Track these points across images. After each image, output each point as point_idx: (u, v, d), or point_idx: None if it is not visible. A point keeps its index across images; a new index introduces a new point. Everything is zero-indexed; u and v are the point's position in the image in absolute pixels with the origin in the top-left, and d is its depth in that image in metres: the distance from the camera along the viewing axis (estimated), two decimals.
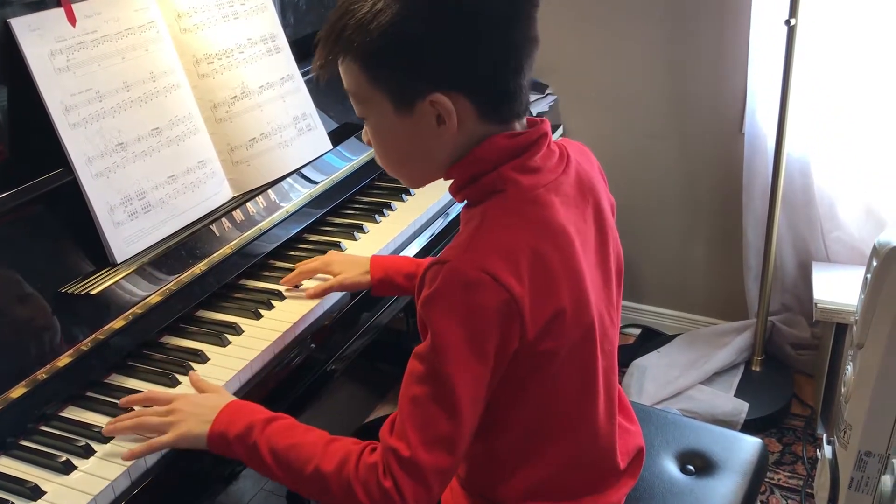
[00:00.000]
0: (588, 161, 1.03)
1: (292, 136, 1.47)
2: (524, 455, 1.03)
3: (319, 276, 1.34)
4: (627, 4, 2.20)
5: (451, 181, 0.97)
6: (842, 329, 1.98)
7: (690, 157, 2.30)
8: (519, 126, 0.94)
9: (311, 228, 1.53)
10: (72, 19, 1.13)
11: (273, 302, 1.30)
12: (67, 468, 0.99)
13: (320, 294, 1.30)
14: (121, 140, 1.20)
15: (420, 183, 1.01)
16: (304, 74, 1.55)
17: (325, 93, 1.65)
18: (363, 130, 0.98)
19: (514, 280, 0.86)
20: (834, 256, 2.15)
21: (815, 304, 1.97)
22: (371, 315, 1.41)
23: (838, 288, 2.00)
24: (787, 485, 1.98)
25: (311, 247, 1.48)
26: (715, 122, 2.23)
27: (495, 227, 0.90)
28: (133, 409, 1.06)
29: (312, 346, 1.28)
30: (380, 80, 0.89)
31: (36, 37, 1.11)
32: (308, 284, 1.33)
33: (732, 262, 2.34)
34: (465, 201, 0.97)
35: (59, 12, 1.14)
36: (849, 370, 1.69)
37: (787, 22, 1.86)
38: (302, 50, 1.57)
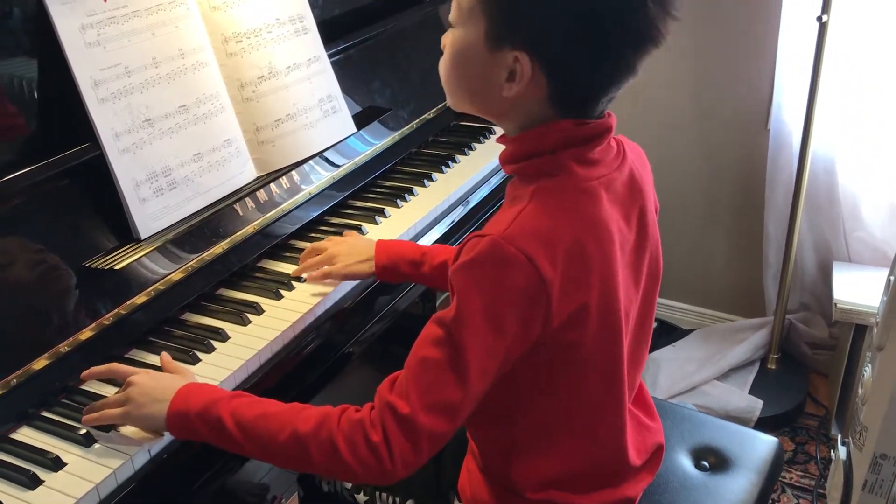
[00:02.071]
0: (642, 163, 1.02)
1: (317, 117, 1.47)
2: (543, 445, 1.03)
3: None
4: None
5: (503, 149, 0.96)
6: (861, 330, 1.97)
7: (714, 152, 2.29)
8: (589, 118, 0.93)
9: (333, 211, 1.53)
10: None
11: (294, 283, 1.30)
12: (88, 441, 1.00)
13: (320, 279, 1.29)
14: (148, 116, 1.20)
15: (457, 106, 0.99)
16: (330, 56, 1.55)
17: (350, 75, 1.64)
18: (442, 38, 0.96)
19: (549, 265, 0.86)
20: (856, 257, 2.13)
21: (835, 304, 1.96)
22: (390, 299, 1.41)
23: (859, 289, 1.98)
24: (798, 484, 1.97)
25: (332, 229, 1.48)
26: (740, 116, 2.21)
27: (541, 212, 0.89)
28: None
29: (332, 328, 1.28)
30: (491, 6, 0.88)
31: (67, 10, 1.11)
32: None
33: (752, 259, 2.32)
34: (513, 175, 0.96)
35: None
36: (867, 372, 1.68)
37: (819, 18, 1.83)
38: (329, 31, 1.56)
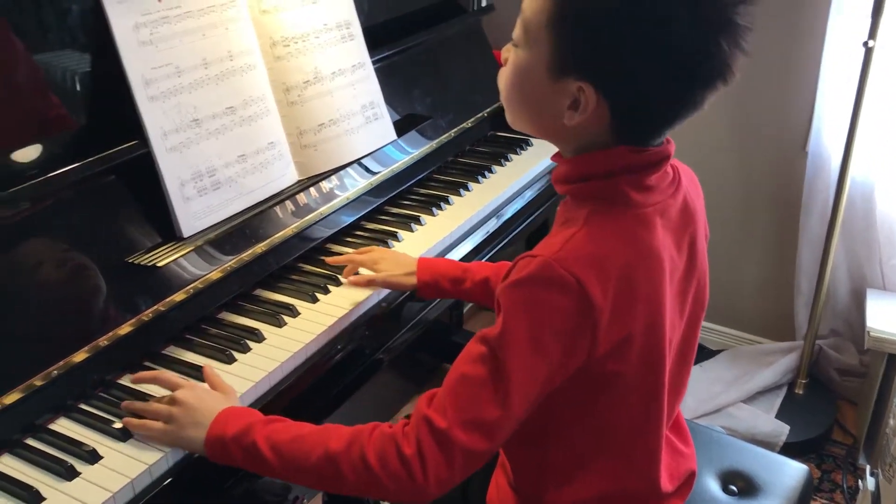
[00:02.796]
0: (695, 190, 1.01)
1: (360, 123, 1.47)
2: (576, 469, 1.02)
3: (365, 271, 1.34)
4: None
5: (556, 166, 0.95)
6: (893, 359, 1.94)
7: (749, 172, 2.27)
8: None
9: (370, 217, 1.54)
10: None
11: (329, 287, 1.31)
12: (124, 435, 1.01)
13: (363, 284, 1.30)
14: (196, 116, 1.21)
15: (515, 124, 0.98)
16: (374, 63, 1.56)
17: (392, 82, 1.65)
18: (503, 50, 0.94)
19: (599, 291, 0.85)
20: (891, 285, 2.11)
21: (868, 331, 1.93)
22: (421, 308, 1.41)
23: (893, 317, 1.96)
24: None
25: (368, 234, 1.49)
26: (778, 137, 2.19)
27: (595, 237, 0.88)
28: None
29: (366, 333, 1.29)
30: (556, 32, 0.85)
31: (123, 9, 1.13)
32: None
33: (783, 282, 2.30)
34: (566, 195, 0.95)
35: None
36: None
37: (865, 44, 1.82)
38: (374, 38, 1.57)
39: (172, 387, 1.04)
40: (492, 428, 0.87)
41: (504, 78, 0.94)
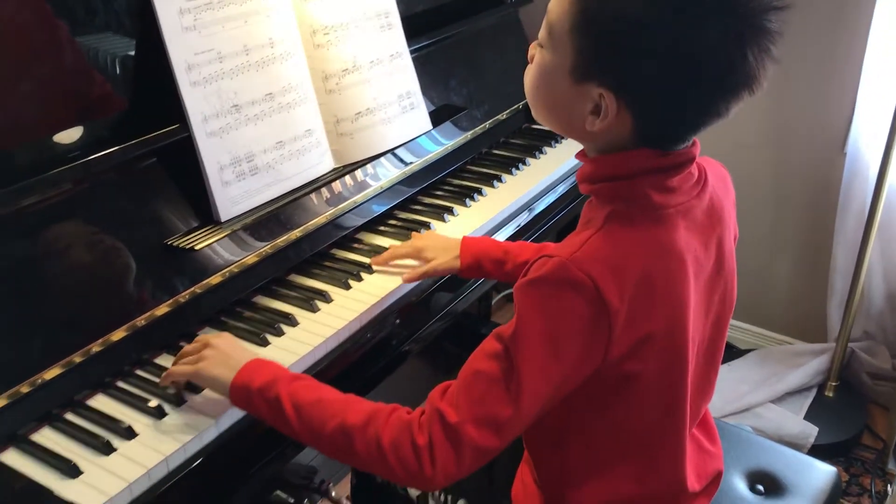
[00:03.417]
0: (724, 188, 1.00)
1: (396, 113, 1.48)
2: (598, 468, 1.02)
3: (409, 261, 1.34)
4: None
5: (581, 165, 0.96)
6: None
7: (785, 171, 2.25)
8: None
9: (403, 206, 1.55)
10: None
11: (362, 274, 1.32)
12: (160, 413, 1.03)
13: (416, 279, 1.30)
14: (236, 102, 1.23)
15: (540, 121, 0.98)
16: (411, 52, 1.56)
17: (429, 72, 1.66)
18: (530, 48, 0.95)
19: (615, 295, 0.85)
20: None
21: None
22: (451, 299, 1.42)
23: None
24: None
25: (401, 224, 1.50)
26: (816, 137, 2.17)
27: (613, 238, 0.88)
28: None
29: (396, 322, 1.30)
30: (578, 37, 0.86)
31: None
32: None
33: (816, 283, 2.28)
34: (590, 195, 0.95)
35: None
36: None
37: None
38: (411, 27, 1.58)
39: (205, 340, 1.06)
40: (502, 426, 0.87)
41: (529, 76, 0.95)
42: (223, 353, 1.02)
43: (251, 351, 1.06)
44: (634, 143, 0.89)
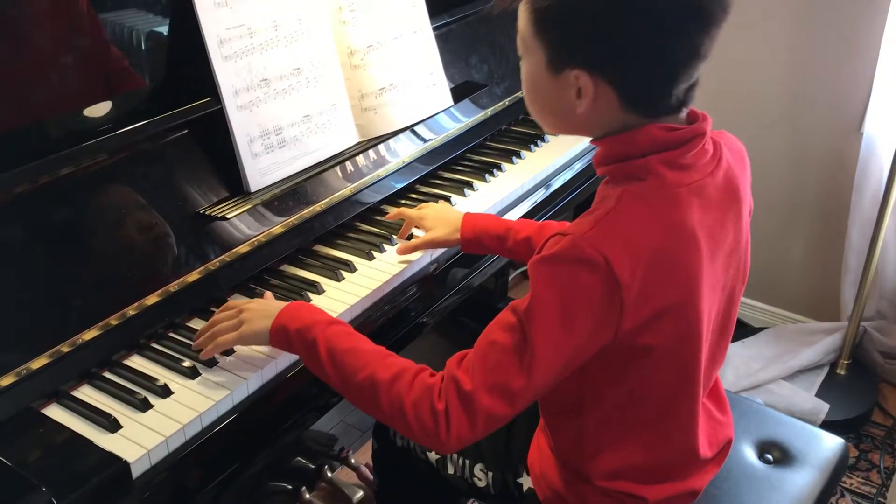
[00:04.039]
0: (740, 163, 1.02)
1: (418, 89, 1.52)
2: (614, 437, 1.05)
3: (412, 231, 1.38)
4: None
5: (594, 149, 0.99)
6: None
7: (802, 151, 2.26)
8: (675, 120, 0.94)
9: (424, 180, 1.58)
10: None
11: (385, 245, 1.36)
12: (193, 373, 1.08)
13: (409, 251, 1.33)
14: (265, 76, 1.27)
15: (553, 132, 1.05)
16: (434, 30, 1.59)
17: (450, 49, 1.69)
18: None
19: (627, 272, 0.88)
20: None
21: None
22: (467, 274, 1.45)
23: None
24: (859, 490, 1.97)
25: (422, 198, 1.53)
26: (833, 117, 2.18)
27: (626, 215, 0.91)
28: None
29: (416, 292, 1.34)
30: (542, 35, 0.92)
31: None
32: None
33: (831, 262, 2.30)
34: (606, 177, 0.98)
35: None
36: None
37: None
38: (434, 4, 1.61)
39: (235, 305, 1.11)
40: (514, 395, 0.91)
41: (524, 93, 1.00)
42: (260, 309, 1.08)
43: (280, 302, 1.11)
44: (630, 113, 0.92)
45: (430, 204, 1.42)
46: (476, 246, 1.34)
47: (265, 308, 1.08)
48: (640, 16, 0.86)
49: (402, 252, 1.34)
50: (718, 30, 0.89)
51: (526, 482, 1.20)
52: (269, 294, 1.18)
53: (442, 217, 1.35)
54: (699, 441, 1.09)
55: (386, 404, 0.95)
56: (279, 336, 1.04)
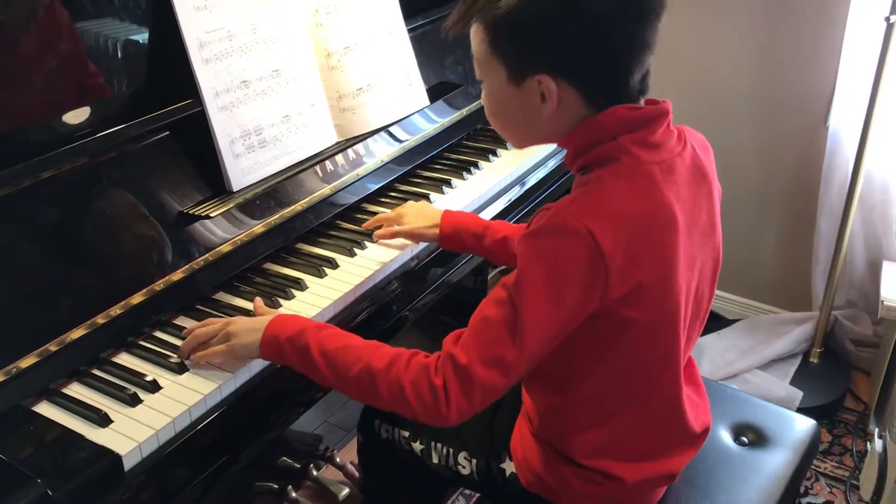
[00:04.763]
0: (706, 152, 1.07)
1: (395, 89, 1.55)
2: (598, 414, 1.09)
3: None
4: None
5: (561, 150, 1.04)
6: None
7: (770, 145, 2.32)
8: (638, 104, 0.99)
9: (403, 179, 1.61)
10: None
11: (366, 242, 1.39)
12: (181, 369, 1.10)
13: (388, 237, 1.37)
14: (245, 78, 1.29)
15: (521, 145, 1.09)
16: (409, 32, 1.62)
17: (426, 51, 1.72)
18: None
19: (611, 241, 0.92)
20: None
21: (882, 301, 1.98)
22: (445, 271, 1.48)
23: None
24: (833, 474, 2.02)
25: (401, 195, 1.56)
26: (800, 112, 2.24)
27: (606, 191, 0.95)
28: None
29: (398, 287, 1.37)
30: (499, 51, 0.96)
31: None
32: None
33: (801, 253, 2.35)
34: (579, 172, 1.01)
35: None
36: None
37: (887, 19, 1.86)
38: (408, 6, 1.64)
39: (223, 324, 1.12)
40: (508, 366, 0.95)
41: (488, 115, 1.05)
42: (246, 323, 1.10)
43: (269, 315, 1.13)
44: (592, 107, 0.97)
45: (410, 202, 1.46)
46: (454, 242, 1.37)
47: (251, 323, 1.10)
48: (586, 16, 0.91)
49: (380, 237, 1.37)
50: (659, 21, 0.94)
51: (508, 467, 1.23)
52: (258, 300, 1.21)
53: (421, 212, 1.39)
54: (686, 414, 1.13)
55: (385, 390, 0.98)
56: (270, 347, 1.07)
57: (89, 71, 1.21)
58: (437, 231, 1.36)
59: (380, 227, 1.41)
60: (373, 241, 1.40)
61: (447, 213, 1.38)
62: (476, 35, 0.98)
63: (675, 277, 0.99)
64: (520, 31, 0.94)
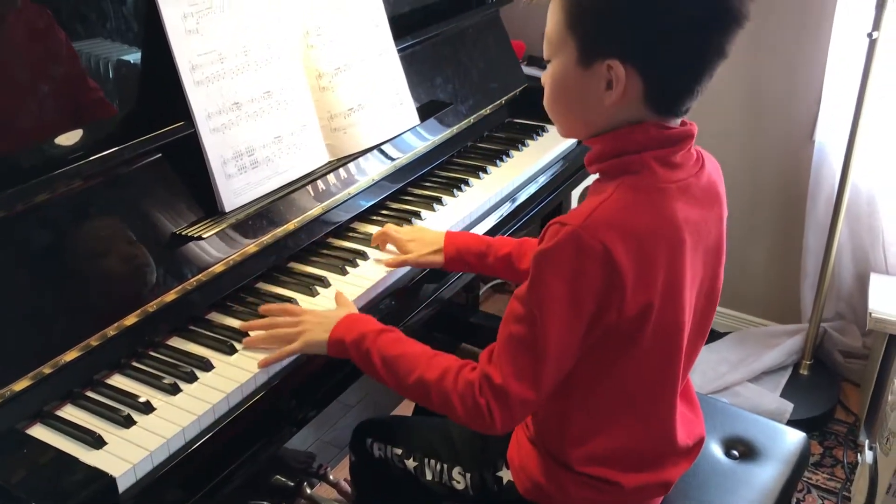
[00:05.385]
0: (718, 175, 1.09)
1: (386, 108, 1.56)
2: (597, 424, 1.11)
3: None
4: None
5: (589, 150, 1.04)
6: (894, 340, 2.02)
7: (758, 159, 2.34)
8: (673, 123, 1.00)
9: (394, 197, 1.63)
10: None
11: (358, 261, 1.40)
12: (174, 390, 1.10)
13: (396, 265, 1.40)
14: (237, 100, 1.31)
15: (567, 133, 1.08)
16: (399, 51, 1.64)
17: (415, 70, 1.74)
18: (543, 76, 1.05)
19: (625, 257, 0.94)
20: (893, 269, 2.18)
21: (870, 313, 2.01)
22: (437, 288, 1.49)
23: (895, 299, 2.03)
24: (824, 486, 2.03)
25: (392, 213, 1.57)
26: (786, 126, 2.27)
27: (620, 205, 0.97)
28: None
29: (392, 303, 1.37)
30: (576, 29, 0.96)
31: (173, 0, 1.22)
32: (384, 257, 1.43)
33: (790, 266, 2.38)
34: (598, 175, 1.03)
35: None
36: None
37: (870, 35, 1.89)
38: (399, 27, 1.66)
39: (297, 313, 1.21)
40: (538, 380, 0.99)
41: (547, 97, 1.04)
42: (318, 321, 1.17)
43: (341, 308, 1.23)
44: (647, 110, 0.97)
45: (410, 228, 1.48)
46: (459, 263, 1.40)
47: (323, 320, 1.17)
48: (673, 11, 0.92)
49: (389, 265, 1.40)
50: (741, 29, 0.95)
51: (505, 475, 1.24)
52: (339, 292, 1.28)
53: (424, 238, 1.42)
54: (677, 430, 1.14)
55: (437, 400, 1.05)
56: (337, 347, 1.15)
57: (82, 93, 1.22)
58: (441, 257, 1.39)
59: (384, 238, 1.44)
60: (365, 260, 1.41)
61: (449, 235, 1.41)
62: (554, 12, 0.98)
63: (681, 296, 1.02)
64: (603, 11, 0.93)
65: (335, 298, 1.28)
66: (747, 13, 0.95)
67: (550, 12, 0.99)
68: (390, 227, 1.44)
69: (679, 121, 1.02)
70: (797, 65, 2.18)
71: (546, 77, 1.03)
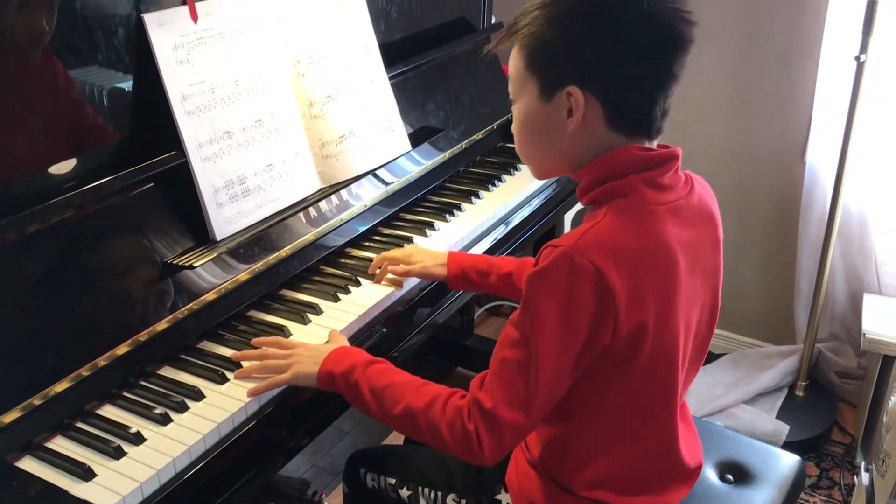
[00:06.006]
0: (710, 197, 1.11)
1: (377, 135, 1.57)
2: (597, 448, 1.11)
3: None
4: (701, 24, 2.25)
5: (550, 186, 1.06)
6: (889, 361, 2.02)
7: (750, 181, 2.35)
8: (648, 144, 1.03)
9: (386, 223, 1.63)
10: (194, 16, 1.25)
11: (350, 287, 1.40)
12: (165, 420, 1.10)
13: (401, 274, 1.41)
14: (228, 129, 1.31)
15: (539, 173, 1.12)
16: (390, 78, 1.65)
17: (407, 97, 1.75)
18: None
19: (617, 278, 0.95)
20: (886, 289, 2.19)
21: (864, 334, 2.01)
22: (431, 312, 1.50)
23: (888, 320, 2.04)
24: None
25: (385, 240, 1.58)
26: (777, 148, 2.28)
27: (612, 227, 0.98)
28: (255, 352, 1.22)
29: (383, 330, 1.37)
30: (535, 66, 1.01)
31: (164, 31, 1.23)
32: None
33: (783, 287, 2.38)
34: (590, 205, 1.05)
35: (183, 10, 1.26)
36: (892, 400, 1.73)
37: (857, 58, 1.91)
38: (390, 55, 1.67)
39: (288, 346, 1.21)
40: (530, 405, 0.98)
41: (516, 137, 1.08)
42: (308, 354, 1.17)
43: (331, 343, 1.23)
44: (613, 132, 1.00)
45: (412, 245, 1.50)
46: (462, 281, 1.41)
47: (313, 353, 1.17)
48: (620, 38, 0.96)
49: (394, 274, 1.42)
50: (687, 53, 0.99)
51: (504, 498, 1.24)
52: (333, 330, 1.28)
53: (428, 252, 1.44)
54: (681, 450, 1.14)
55: (425, 430, 1.04)
56: (326, 379, 1.14)
57: (74, 124, 1.22)
58: (444, 271, 1.41)
59: (367, 263, 1.44)
60: (357, 286, 1.41)
61: (452, 254, 1.43)
62: (516, 54, 1.03)
63: (674, 317, 1.02)
64: (557, 46, 0.98)
65: (329, 335, 1.27)
66: (691, 38, 0.98)
67: (511, 57, 1.04)
68: (390, 252, 1.45)
69: (655, 143, 1.04)
70: (787, 87, 2.20)
71: (515, 118, 1.07)
